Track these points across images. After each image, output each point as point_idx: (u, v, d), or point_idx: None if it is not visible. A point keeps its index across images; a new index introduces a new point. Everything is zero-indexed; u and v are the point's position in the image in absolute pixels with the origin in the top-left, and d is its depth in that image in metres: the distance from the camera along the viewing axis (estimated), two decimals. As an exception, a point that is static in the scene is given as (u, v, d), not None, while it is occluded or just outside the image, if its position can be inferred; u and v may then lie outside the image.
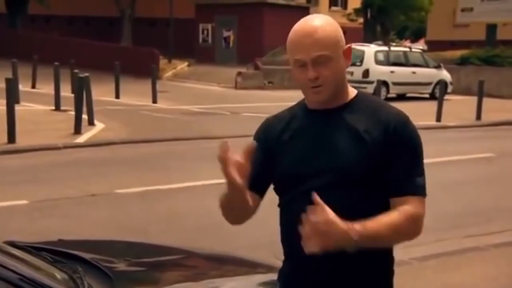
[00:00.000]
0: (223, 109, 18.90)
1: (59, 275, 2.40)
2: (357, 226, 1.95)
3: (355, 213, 2.01)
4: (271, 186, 2.27)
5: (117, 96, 20.88)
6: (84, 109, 13.95)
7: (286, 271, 2.28)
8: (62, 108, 16.53)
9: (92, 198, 8.12)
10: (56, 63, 18.12)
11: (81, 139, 12.67)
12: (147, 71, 22.59)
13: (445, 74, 23.73)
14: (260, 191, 2.22)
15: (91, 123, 14.36)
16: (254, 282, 2.97)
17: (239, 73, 26.96)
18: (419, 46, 41.00)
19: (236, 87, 26.20)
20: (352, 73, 20.77)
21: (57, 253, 2.68)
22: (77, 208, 7.70)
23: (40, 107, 17.17)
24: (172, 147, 12.35)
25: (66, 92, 18.15)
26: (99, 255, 2.85)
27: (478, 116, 17.47)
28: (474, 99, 18.17)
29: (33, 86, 22.52)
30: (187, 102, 20.45)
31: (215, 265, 3.38)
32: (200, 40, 37.15)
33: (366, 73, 21.79)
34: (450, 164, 11.00)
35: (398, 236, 2.08)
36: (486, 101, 17.87)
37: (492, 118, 17.44)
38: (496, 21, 29.98)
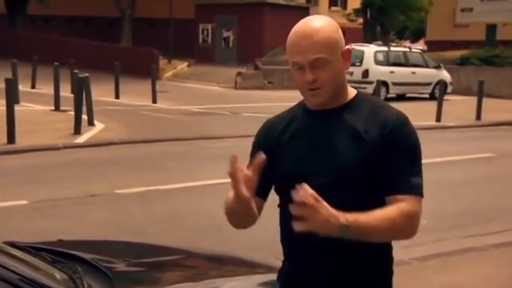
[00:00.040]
0: (223, 109, 18.90)
1: (58, 275, 2.40)
2: (348, 214, 1.94)
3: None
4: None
5: (117, 96, 20.88)
6: (84, 109, 13.96)
7: (286, 271, 2.28)
8: (61, 108, 16.53)
9: (92, 199, 8.12)
10: (56, 63, 18.12)
11: (81, 139, 12.67)
12: (147, 71, 22.59)
13: (445, 74, 23.73)
14: (263, 195, 2.22)
15: (90, 123, 14.36)
16: (254, 282, 2.97)
17: (239, 73, 26.97)
18: (419, 46, 40.97)
19: (236, 87, 26.21)
20: (351, 73, 20.77)
21: (57, 254, 2.68)
22: (77, 208, 7.70)
23: (39, 107, 17.18)
24: (172, 147, 12.35)
25: (66, 92, 18.15)
26: (98, 256, 2.85)
27: (478, 116, 17.48)
28: (474, 99, 18.17)
29: (33, 86, 22.53)
30: (187, 102, 20.45)
31: (215, 265, 3.38)
32: (200, 40, 37.16)
33: (365, 73, 21.79)
34: (450, 164, 11.01)
35: (393, 232, 2.05)
36: (486, 101, 17.88)
37: (492, 118, 17.44)
38: (496, 21, 29.98)
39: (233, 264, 3.44)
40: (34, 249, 2.68)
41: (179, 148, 12.30)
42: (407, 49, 25.59)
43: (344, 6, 44.87)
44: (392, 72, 22.42)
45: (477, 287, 5.68)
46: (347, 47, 2.19)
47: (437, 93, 19.54)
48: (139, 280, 2.89)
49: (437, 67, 24.05)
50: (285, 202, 2.22)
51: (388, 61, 22.91)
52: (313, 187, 1.94)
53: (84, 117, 13.97)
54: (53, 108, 16.74)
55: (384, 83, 21.18)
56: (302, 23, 2.16)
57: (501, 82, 24.70)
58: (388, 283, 2.23)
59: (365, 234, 2.00)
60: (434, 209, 7.23)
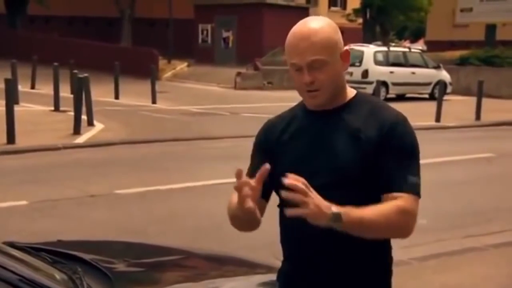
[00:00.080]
0: (223, 109, 18.91)
1: (58, 275, 2.40)
2: (341, 206, 1.94)
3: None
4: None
5: (117, 97, 20.88)
6: (84, 109, 13.95)
7: (286, 271, 2.28)
8: (61, 108, 16.53)
9: (91, 199, 8.12)
10: (56, 64, 18.13)
11: (80, 139, 12.67)
12: (146, 71, 22.59)
13: (444, 75, 23.73)
14: (265, 196, 2.22)
15: (90, 123, 14.36)
16: (253, 282, 2.97)
17: (239, 74, 26.97)
18: (419, 46, 40.98)
19: (235, 88, 26.21)
20: (351, 74, 20.79)
21: (57, 254, 2.68)
22: (76, 208, 7.70)
23: (39, 108, 17.17)
24: (171, 147, 12.35)
25: (66, 92, 18.15)
26: (98, 256, 2.85)
27: (478, 117, 17.48)
28: (473, 100, 18.17)
29: (33, 87, 22.53)
30: (186, 102, 20.45)
31: (215, 266, 3.38)
32: (200, 40, 37.16)
33: (365, 73, 21.79)
34: (450, 164, 11.01)
35: (387, 228, 2.03)
36: (485, 101, 17.88)
37: (492, 118, 17.44)
38: (496, 21, 29.99)
39: (233, 264, 3.44)
40: (33, 250, 2.68)
41: (178, 148, 12.30)
42: (406, 49, 25.59)
43: (344, 6, 44.89)
44: (391, 72, 22.43)
45: (477, 287, 5.68)
46: (345, 47, 2.18)
47: (437, 93, 19.54)
48: (139, 281, 2.89)
49: (437, 67, 24.06)
50: (284, 201, 2.22)
51: (388, 61, 22.91)
52: (313, 187, 1.94)
53: (84, 117, 13.97)
54: (52, 108, 16.74)
55: (384, 83, 21.18)
56: (300, 24, 2.15)
57: (500, 82, 24.70)
58: (387, 283, 2.23)
59: (358, 227, 1.98)
60: (434, 209, 7.24)
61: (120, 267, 2.86)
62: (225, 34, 36.41)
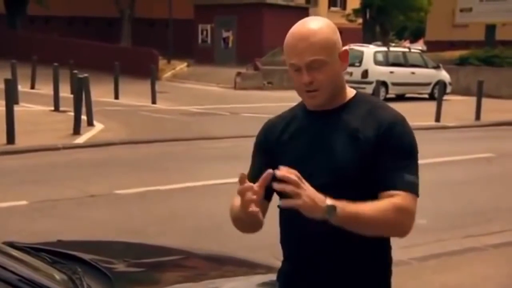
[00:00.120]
0: (223, 109, 18.91)
1: (58, 276, 2.40)
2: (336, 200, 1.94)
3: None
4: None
5: (116, 97, 20.87)
6: (84, 109, 13.95)
7: (286, 271, 2.28)
8: (61, 108, 16.53)
9: (91, 199, 8.12)
10: (56, 64, 18.13)
11: (80, 139, 12.67)
12: (146, 71, 22.59)
13: (444, 75, 23.73)
14: (267, 196, 2.21)
15: (90, 123, 14.36)
16: (253, 282, 2.97)
17: (239, 74, 26.97)
18: (418, 46, 40.98)
19: (235, 88, 26.21)
20: (351, 74, 20.80)
21: (56, 254, 2.68)
22: (76, 208, 7.69)
23: (39, 108, 17.17)
24: (171, 147, 12.35)
25: (65, 92, 18.15)
26: (98, 256, 2.85)
27: (478, 117, 17.48)
28: (473, 100, 18.17)
29: (32, 87, 22.53)
30: (186, 102, 20.45)
31: (215, 266, 3.38)
32: (199, 40, 37.16)
33: (365, 73, 21.80)
34: (450, 164, 11.01)
35: (384, 225, 2.01)
36: (485, 101, 17.87)
37: (492, 118, 17.44)
38: (495, 22, 29.99)
39: (233, 265, 3.44)
40: (33, 250, 2.68)
41: (178, 148, 12.30)
42: (406, 50, 25.60)
43: (344, 6, 44.88)
44: (391, 72, 22.43)
45: (477, 287, 5.68)
46: (344, 47, 2.18)
47: (437, 93, 19.55)
48: (138, 281, 2.89)
49: (437, 67, 24.06)
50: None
51: (388, 62, 22.91)
52: (312, 186, 1.94)
53: (84, 117, 13.97)
54: (52, 108, 16.74)
55: (384, 83, 21.17)
56: (299, 24, 2.16)
57: (500, 82, 24.70)
58: (387, 283, 2.23)
59: (354, 222, 1.98)
60: (434, 209, 7.25)
61: (120, 267, 2.86)
62: (225, 34, 36.41)
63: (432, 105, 17.88)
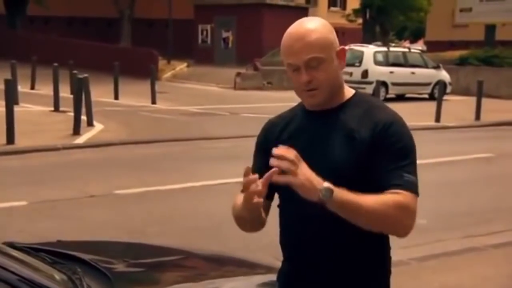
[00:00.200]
0: (222, 109, 18.91)
1: (58, 276, 2.40)
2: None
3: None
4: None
5: (116, 97, 20.87)
6: (83, 110, 13.95)
7: (286, 271, 2.28)
8: (61, 109, 16.52)
9: (91, 199, 8.12)
10: (55, 64, 18.13)
11: (80, 140, 12.67)
12: (146, 71, 22.58)
13: (444, 75, 23.73)
14: (269, 196, 2.22)
15: (90, 124, 14.36)
16: (253, 282, 2.97)
17: (238, 74, 26.97)
18: (418, 46, 41.02)
19: (235, 88, 26.21)
20: (351, 74, 20.80)
21: (56, 254, 2.68)
22: (76, 209, 7.69)
23: (39, 108, 17.17)
24: (171, 148, 12.35)
25: (65, 93, 18.14)
26: (98, 256, 2.85)
27: (477, 117, 17.48)
28: (473, 100, 18.18)
29: (32, 87, 22.52)
30: (186, 102, 20.45)
31: (214, 266, 3.38)
32: (199, 40, 37.17)
33: (365, 73, 21.79)
34: (450, 164, 11.01)
35: (383, 219, 1.99)
36: (485, 101, 17.88)
37: (491, 119, 17.45)
38: (495, 22, 30.01)
39: (233, 265, 3.44)
40: (33, 250, 2.68)
41: (178, 148, 12.30)
42: (406, 50, 25.60)
43: (344, 6, 44.88)
44: (391, 72, 22.43)
45: (476, 287, 5.68)
46: (341, 47, 2.18)
47: (437, 93, 19.55)
48: (138, 281, 2.89)
49: (436, 67, 24.06)
50: (284, 201, 2.23)
51: (388, 62, 22.91)
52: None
53: (84, 117, 13.97)
54: (52, 109, 16.74)
55: (384, 84, 21.17)
56: (295, 25, 2.17)
57: (500, 82, 24.70)
58: (386, 283, 2.23)
59: (352, 209, 1.96)
60: (434, 209, 7.25)
61: (119, 267, 2.86)
62: (224, 35, 36.42)
63: (432, 105, 17.88)
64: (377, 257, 2.19)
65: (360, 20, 38.46)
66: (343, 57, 2.18)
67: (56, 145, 11.89)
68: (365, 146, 2.08)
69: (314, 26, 2.13)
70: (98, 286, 2.45)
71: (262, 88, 26.20)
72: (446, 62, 26.31)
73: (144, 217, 7.39)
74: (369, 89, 18.41)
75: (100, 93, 19.68)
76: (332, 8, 44.49)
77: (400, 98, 22.73)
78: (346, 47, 2.21)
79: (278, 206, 2.26)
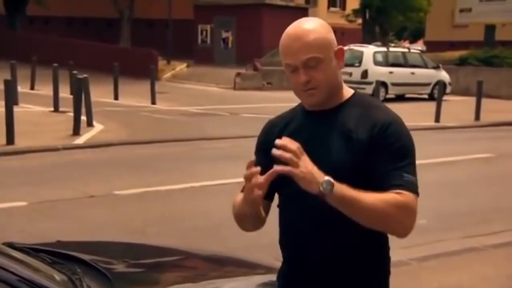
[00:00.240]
0: (222, 110, 18.91)
1: (58, 276, 2.40)
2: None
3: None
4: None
5: (116, 97, 20.87)
6: (83, 110, 13.95)
7: (285, 271, 2.28)
8: (61, 109, 16.52)
9: (91, 199, 8.12)
10: (55, 64, 18.13)
11: (80, 140, 12.67)
12: (146, 72, 22.57)
13: (443, 75, 23.73)
14: (269, 196, 2.22)
15: (90, 124, 14.36)
16: (253, 283, 2.97)
17: (238, 74, 26.97)
18: (418, 46, 41.02)
19: (235, 88, 26.21)
20: (351, 74, 20.81)
21: (56, 255, 2.68)
22: (76, 209, 7.69)
23: (39, 109, 17.17)
24: (171, 148, 12.35)
25: (65, 93, 18.15)
26: (98, 257, 2.85)
27: (477, 117, 17.48)
28: (472, 100, 18.18)
29: (32, 88, 22.51)
30: (186, 103, 20.45)
31: (214, 266, 3.38)
32: (199, 41, 37.16)
33: (364, 74, 21.80)
34: (450, 165, 11.01)
35: (383, 217, 1.98)
36: (484, 101, 17.88)
37: (491, 119, 17.45)
38: (495, 22, 30.01)
39: (233, 265, 3.44)
40: (33, 250, 2.68)
41: (178, 149, 12.30)
42: (406, 50, 25.60)
43: (343, 6, 44.87)
44: (391, 72, 22.43)
45: (476, 287, 5.68)
46: (340, 46, 2.19)
47: (436, 93, 19.56)
48: (138, 281, 2.89)
49: (436, 67, 24.06)
50: (284, 201, 2.23)
51: (387, 62, 22.91)
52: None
53: (83, 118, 13.97)
54: (52, 109, 16.74)
55: (383, 84, 21.17)
56: (293, 25, 2.17)
57: (500, 83, 24.71)
58: (386, 283, 2.23)
59: (351, 204, 1.96)
60: (434, 209, 7.24)
61: (119, 267, 2.86)
62: (224, 35, 36.41)
63: (432, 105, 17.88)
64: (376, 258, 2.19)
65: (359, 21, 38.44)
66: (341, 57, 2.18)
67: (56, 146, 11.89)
68: (363, 146, 2.08)
69: (312, 26, 2.13)
70: (98, 287, 2.45)
71: (261, 88, 26.21)
72: (446, 62, 26.32)
73: (143, 217, 7.39)
74: (368, 89, 18.42)
75: (100, 93, 19.67)
76: (332, 9, 44.48)
77: (400, 98, 22.73)
78: (345, 47, 2.21)
79: (278, 206, 2.26)
